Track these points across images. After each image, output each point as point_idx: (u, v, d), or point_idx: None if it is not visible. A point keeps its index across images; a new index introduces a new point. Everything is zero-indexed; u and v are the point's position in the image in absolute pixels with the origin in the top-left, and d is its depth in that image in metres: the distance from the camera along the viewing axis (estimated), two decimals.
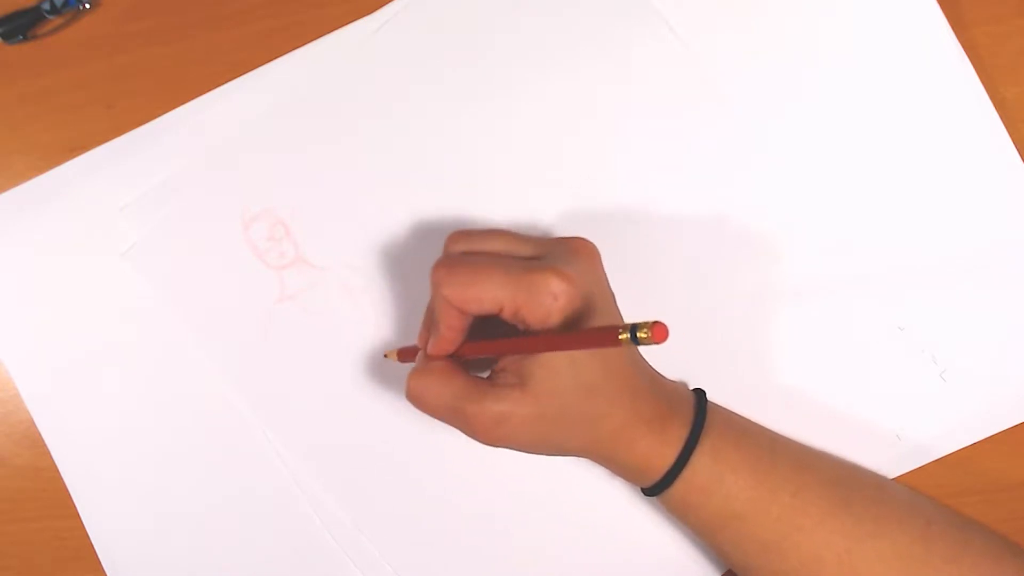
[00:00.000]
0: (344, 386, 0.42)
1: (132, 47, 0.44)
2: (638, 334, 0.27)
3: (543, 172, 0.42)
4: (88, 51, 0.44)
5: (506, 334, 0.35)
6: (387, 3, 0.43)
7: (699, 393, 0.38)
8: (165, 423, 0.43)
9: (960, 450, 0.41)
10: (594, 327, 0.33)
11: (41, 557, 0.44)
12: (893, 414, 0.41)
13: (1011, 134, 0.41)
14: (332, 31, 0.43)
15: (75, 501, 0.43)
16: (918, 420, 0.41)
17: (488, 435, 0.34)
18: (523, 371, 0.34)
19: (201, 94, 0.43)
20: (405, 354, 0.39)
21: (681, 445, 0.35)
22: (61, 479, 0.43)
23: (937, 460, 0.41)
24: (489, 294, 0.33)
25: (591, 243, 0.36)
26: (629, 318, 0.38)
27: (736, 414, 0.39)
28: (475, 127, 0.42)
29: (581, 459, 0.42)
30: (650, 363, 0.38)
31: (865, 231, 0.41)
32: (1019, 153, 0.41)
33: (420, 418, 0.42)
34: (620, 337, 0.28)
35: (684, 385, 0.40)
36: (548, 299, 0.32)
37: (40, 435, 0.43)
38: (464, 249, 0.36)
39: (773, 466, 0.36)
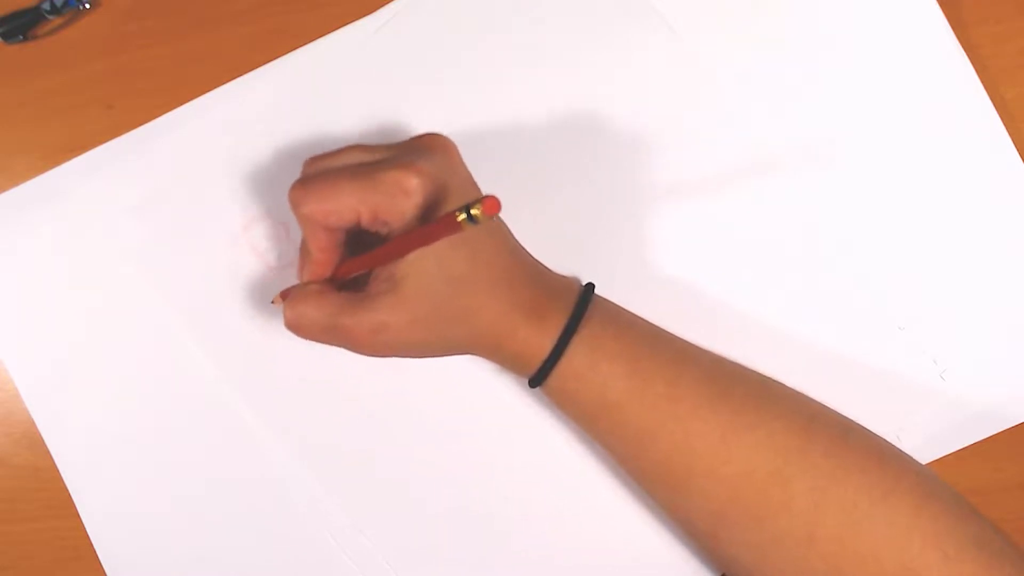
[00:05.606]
0: (345, 386, 0.42)
1: (132, 47, 0.44)
2: (471, 211, 0.28)
3: (544, 171, 0.42)
4: (88, 51, 0.44)
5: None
6: (387, 3, 0.43)
7: (588, 286, 0.37)
8: (165, 423, 0.42)
9: (960, 450, 0.41)
10: (437, 217, 0.32)
11: (41, 557, 0.44)
12: (893, 414, 0.41)
13: (1011, 134, 0.41)
14: (332, 31, 0.43)
15: (75, 501, 0.43)
16: (918, 420, 0.41)
17: (369, 346, 0.34)
18: (394, 277, 0.34)
19: (201, 94, 0.43)
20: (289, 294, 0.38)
21: (559, 333, 0.35)
22: (61, 479, 0.43)
23: (937, 460, 0.41)
24: (344, 203, 0.33)
25: (443, 136, 0.36)
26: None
27: (624, 309, 0.38)
28: (475, 127, 0.42)
29: (587, 463, 0.42)
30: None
31: (865, 231, 0.41)
32: (1019, 153, 0.41)
33: (421, 418, 0.42)
34: (459, 220, 0.28)
35: (575, 279, 0.39)
36: (400, 196, 0.32)
37: (40, 435, 0.43)
38: (319, 168, 0.35)
39: (651, 357, 0.36)
